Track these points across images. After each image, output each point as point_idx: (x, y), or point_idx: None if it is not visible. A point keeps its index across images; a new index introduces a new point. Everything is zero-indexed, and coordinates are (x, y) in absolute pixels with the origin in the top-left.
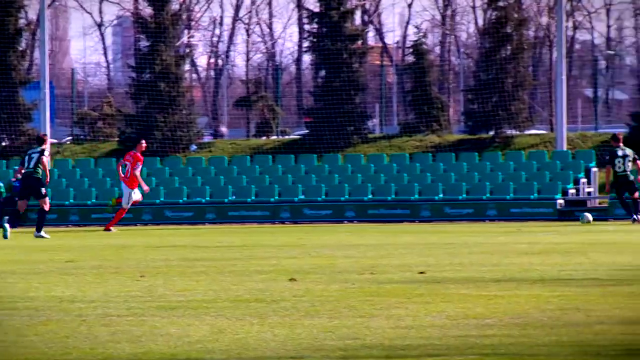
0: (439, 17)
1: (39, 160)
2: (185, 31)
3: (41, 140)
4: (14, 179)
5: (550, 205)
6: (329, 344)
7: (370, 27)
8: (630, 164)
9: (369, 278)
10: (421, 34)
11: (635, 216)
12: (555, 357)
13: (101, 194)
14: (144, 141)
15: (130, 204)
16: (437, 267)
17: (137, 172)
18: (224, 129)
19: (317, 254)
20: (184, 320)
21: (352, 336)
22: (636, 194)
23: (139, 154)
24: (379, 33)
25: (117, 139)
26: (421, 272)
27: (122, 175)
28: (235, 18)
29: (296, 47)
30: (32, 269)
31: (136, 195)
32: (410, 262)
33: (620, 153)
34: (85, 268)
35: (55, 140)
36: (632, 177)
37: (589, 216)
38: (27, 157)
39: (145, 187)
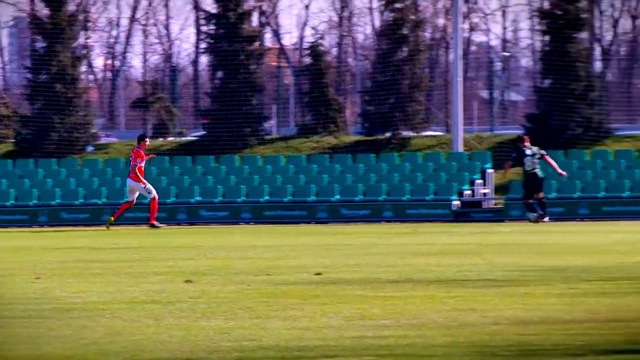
0: (336, 18)
1: None
2: (82, 32)
3: None
4: None
5: (446, 206)
6: (225, 345)
7: (268, 29)
8: (538, 161)
9: (265, 279)
10: (318, 36)
11: (534, 215)
12: (451, 358)
13: None
14: (147, 139)
15: (154, 192)
16: (333, 268)
17: (137, 169)
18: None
19: (213, 256)
20: (80, 322)
21: (248, 337)
22: (540, 194)
23: (141, 151)
24: (276, 34)
25: (13, 140)
26: (317, 274)
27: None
28: (132, 19)
29: (193, 49)
30: None
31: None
32: (307, 263)
33: (528, 152)
34: None
35: None
36: (541, 175)
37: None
38: None
39: (144, 184)
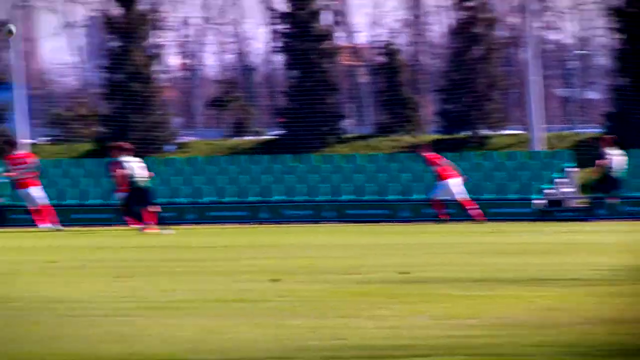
0: (408, 17)
1: None
2: (154, 31)
3: None
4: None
5: (528, 205)
6: (314, 344)
7: (339, 27)
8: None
9: (351, 278)
10: (392, 34)
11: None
12: (542, 358)
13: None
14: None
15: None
16: (417, 267)
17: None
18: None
19: (297, 255)
20: (169, 320)
21: (336, 336)
22: None
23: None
24: (348, 33)
25: (91, 139)
26: (402, 272)
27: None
28: (204, 18)
29: (266, 47)
30: None
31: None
32: (391, 262)
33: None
34: None
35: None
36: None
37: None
38: None
39: None
